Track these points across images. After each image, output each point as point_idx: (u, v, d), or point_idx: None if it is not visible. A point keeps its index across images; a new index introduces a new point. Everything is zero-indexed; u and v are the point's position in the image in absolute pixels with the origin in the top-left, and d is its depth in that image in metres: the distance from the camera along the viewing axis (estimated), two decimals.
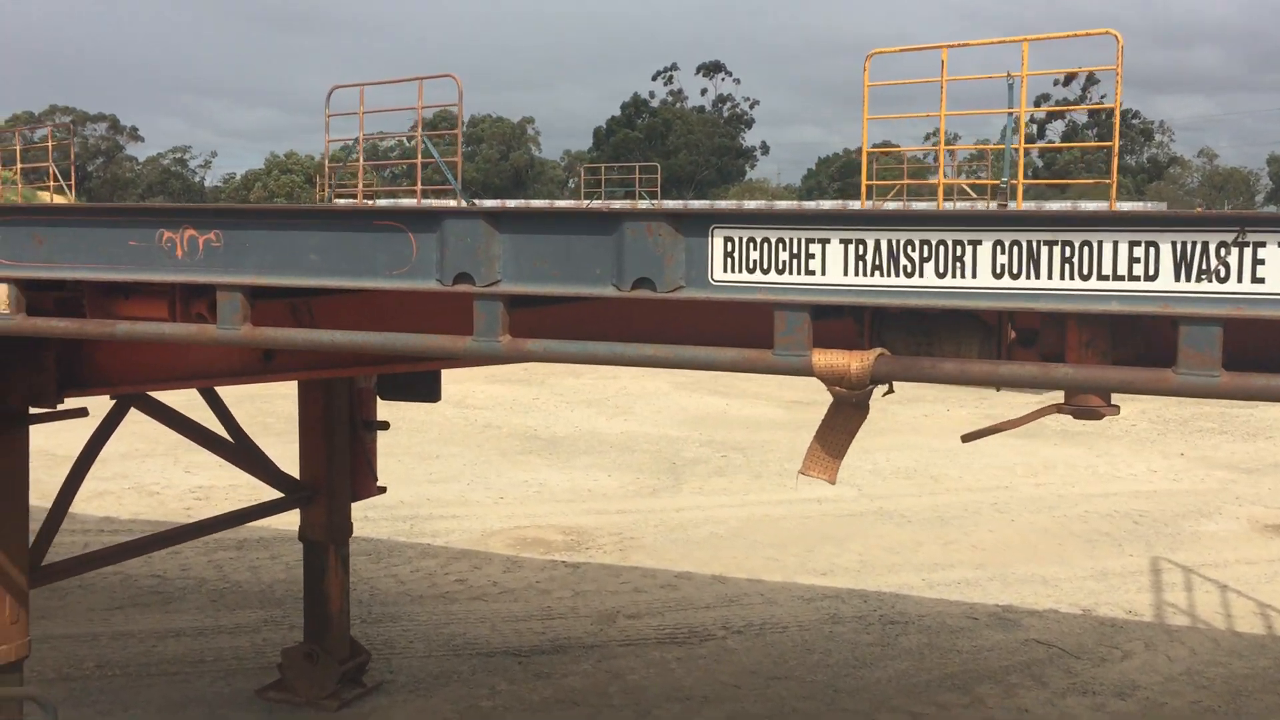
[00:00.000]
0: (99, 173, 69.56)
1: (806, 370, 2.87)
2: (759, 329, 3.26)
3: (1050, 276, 2.66)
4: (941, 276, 2.76)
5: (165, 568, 9.07)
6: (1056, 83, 64.05)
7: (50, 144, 28.20)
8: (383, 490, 7.35)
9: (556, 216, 3.15)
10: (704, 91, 77.78)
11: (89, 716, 6.42)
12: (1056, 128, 68.35)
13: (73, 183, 29.37)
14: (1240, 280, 2.55)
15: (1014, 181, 20.42)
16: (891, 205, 23.13)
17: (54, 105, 70.02)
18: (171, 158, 74.18)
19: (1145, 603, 8.79)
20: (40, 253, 3.62)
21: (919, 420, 16.73)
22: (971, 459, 13.95)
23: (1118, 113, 17.29)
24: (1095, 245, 2.61)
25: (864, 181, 19.76)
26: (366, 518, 7.28)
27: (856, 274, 2.84)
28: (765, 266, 2.92)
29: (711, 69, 77.59)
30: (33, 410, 4.90)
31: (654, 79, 77.73)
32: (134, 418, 5.73)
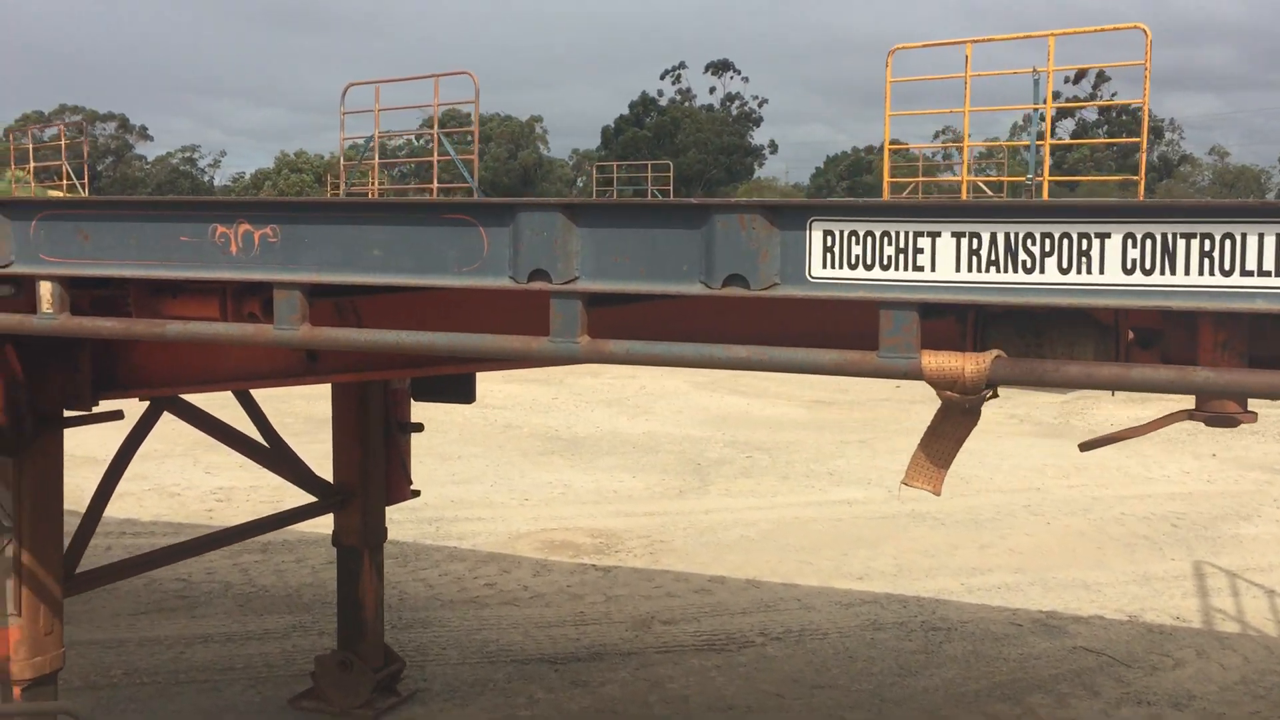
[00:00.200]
0: (108, 172, 69.53)
1: (916, 374, 2.68)
2: (853, 328, 3.07)
3: (1187, 272, 2.46)
4: (1065, 273, 2.56)
5: (190, 571, 8.89)
6: (1067, 80, 63.71)
7: (62, 143, 28.10)
8: (417, 494, 7.18)
9: (639, 209, 2.96)
10: (712, 90, 77.53)
11: None
12: (1066, 126, 67.99)
13: (85, 181, 29.26)
14: None
15: (1039, 178, 20.20)
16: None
17: (64, 105, 70.00)
18: (180, 157, 74.11)
19: (1192, 608, 8.58)
20: (86, 249, 3.43)
21: None
22: (1000, 460, 13.74)
23: (1145, 107, 16.99)
24: (1239, 238, 2.42)
25: (885, 179, 19.45)
26: (392, 520, 7.11)
27: (970, 270, 2.65)
28: (869, 262, 2.73)
29: (720, 67, 77.28)
30: (67, 413, 4.73)
31: (662, 78, 77.53)
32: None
